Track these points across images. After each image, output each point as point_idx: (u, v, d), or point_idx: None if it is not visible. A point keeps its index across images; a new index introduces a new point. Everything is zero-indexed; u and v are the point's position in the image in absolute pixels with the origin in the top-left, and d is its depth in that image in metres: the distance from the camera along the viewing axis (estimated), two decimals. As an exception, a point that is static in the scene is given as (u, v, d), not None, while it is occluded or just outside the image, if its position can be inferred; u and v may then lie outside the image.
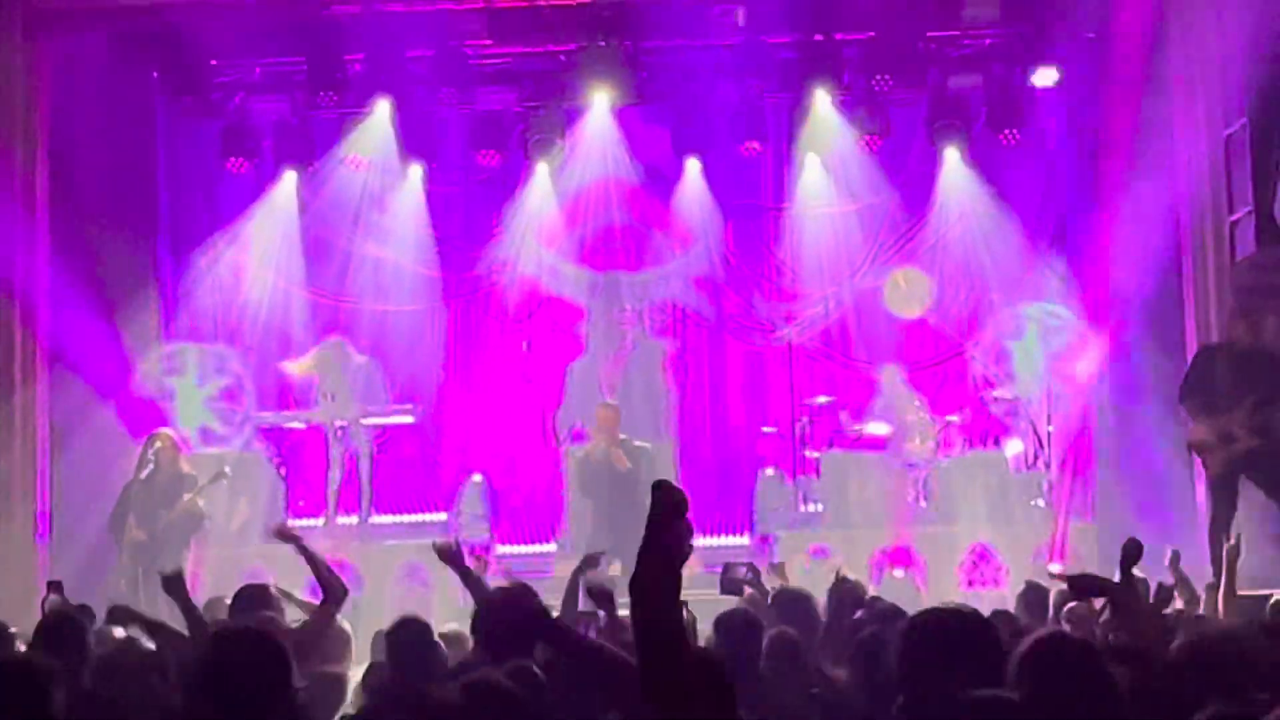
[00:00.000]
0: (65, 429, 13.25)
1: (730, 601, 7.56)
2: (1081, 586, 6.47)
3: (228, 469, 13.00)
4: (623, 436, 13.47)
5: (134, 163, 14.21)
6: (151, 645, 6.82)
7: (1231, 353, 11.14)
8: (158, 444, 12.60)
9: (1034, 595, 8.86)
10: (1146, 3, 13.38)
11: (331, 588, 7.24)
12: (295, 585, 8.67)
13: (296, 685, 4.61)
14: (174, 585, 7.18)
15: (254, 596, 7.63)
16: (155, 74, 14.31)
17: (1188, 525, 12.19)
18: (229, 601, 7.79)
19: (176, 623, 7.12)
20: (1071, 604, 7.77)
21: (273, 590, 8.01)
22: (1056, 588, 8.67)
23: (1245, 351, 11.12)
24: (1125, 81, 13.60)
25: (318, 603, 7.28)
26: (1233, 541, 9.12)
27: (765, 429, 15.32)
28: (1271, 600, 8.54)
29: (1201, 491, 11.89)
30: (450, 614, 11.13)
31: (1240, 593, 8.83)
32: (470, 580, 7.15)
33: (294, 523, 13.53)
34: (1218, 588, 8.83)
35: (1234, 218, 12.34)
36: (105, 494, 12.74)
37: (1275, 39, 10.91)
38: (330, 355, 14.38)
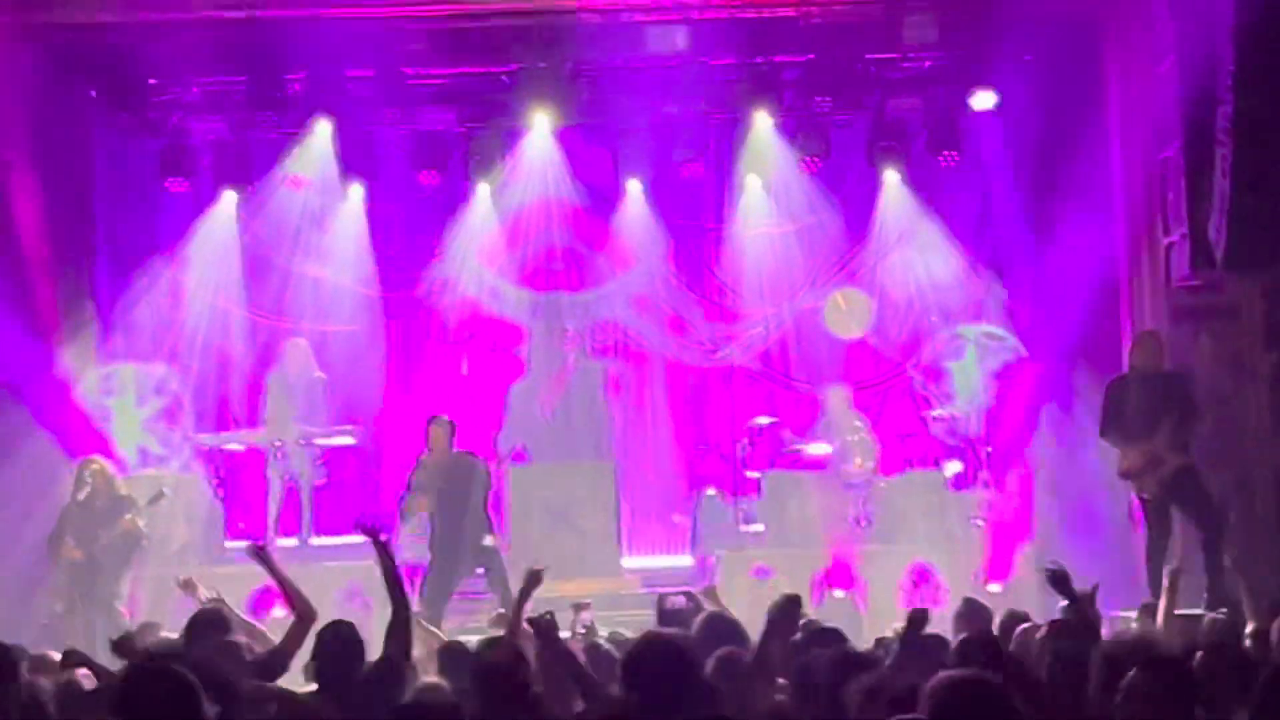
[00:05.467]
0: (1, 451, 13.10)
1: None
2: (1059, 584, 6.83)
3: (167, 490, 12.90)
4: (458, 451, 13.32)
5: (71, 182, 14.09)
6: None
7: (1139, 380, 11.35)
8: (94, 466, 12.49)
9: (972, 612, 8.89)
10: (1083, 25, 13.51)
11: (303, 610, 7.28)
12: (233, 607, 8.63)
13: (207, 717, 4.68)
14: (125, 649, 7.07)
15: (210, 622, 7.55)
16: (92, 92, 14.21)
17: (1124, 547, 12.30)
18: (170, 629, 7.72)
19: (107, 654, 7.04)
20: (1024, 625, 7.82)
21: (227, 613, 7.98)
22: (1002, 609, 8.75)
23: (1152, 377, 11.33)
24: (1062, 104, 13.73)
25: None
26: (1176, 565, 9.26)
27: (701, 447, 15.39)
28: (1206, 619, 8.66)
29: (1137, 514, 11.99)
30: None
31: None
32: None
33: (232, 544, 13.49)
34: (1155, 609, 8.91)
35: (1169, 240, 12.45)
36: (41, 517, 12.60)
37: (1209, 60, 11.02)
38: (293, 357, 14.31)
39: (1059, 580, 6.84)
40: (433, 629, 9.20)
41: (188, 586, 9.22)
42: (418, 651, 7.33)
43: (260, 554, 7.97)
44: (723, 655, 6.49)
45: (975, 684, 4.70)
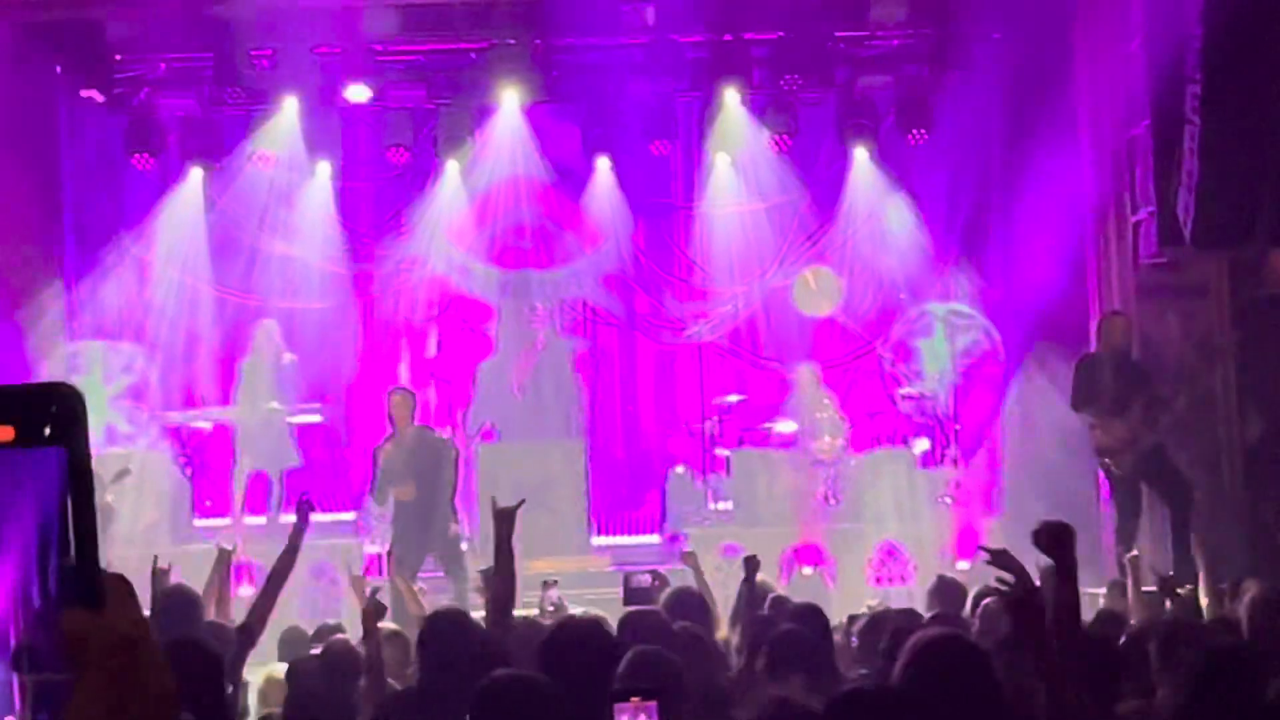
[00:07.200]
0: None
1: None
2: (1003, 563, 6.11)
3: (130, 466, 12.85)
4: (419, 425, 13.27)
5: (36, 158, 13.97)
6: None
7: (1111, 359, 11.41)
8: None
9: (946, 588, 8.93)
10: (1052, 3, 13.53)
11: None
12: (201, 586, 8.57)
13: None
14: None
15: (183, 602, 7.41)
16: (59, 68, 14.11)
17: (1091, 522, 12.35)
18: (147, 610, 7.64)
19: None
20: (987, 600, 7.83)
21: (191, 590, 7.88)
22: (977, 583, 8.77)
23: (1122, 359, 11.39)
24: (1031, 82, 13.75)
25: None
26: (1134, 553, 9.34)
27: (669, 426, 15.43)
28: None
29: (1104, 488, 12.05)
30: (359, 614, 11.06)
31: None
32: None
33: (201, 522, 13.45)
34: (1123, 585, 8.97)
35: (1136, 218, 12.49)
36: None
37: (1178, 39, 11.04)
38: (263, 341, 14.25)
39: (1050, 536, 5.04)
40: (419, 599, 9.13)
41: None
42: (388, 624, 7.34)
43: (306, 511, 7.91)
44: (682, 629, 6.50)
45: (951, 642, 4.66)
